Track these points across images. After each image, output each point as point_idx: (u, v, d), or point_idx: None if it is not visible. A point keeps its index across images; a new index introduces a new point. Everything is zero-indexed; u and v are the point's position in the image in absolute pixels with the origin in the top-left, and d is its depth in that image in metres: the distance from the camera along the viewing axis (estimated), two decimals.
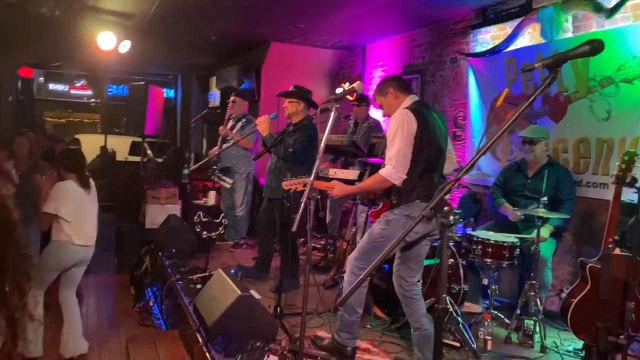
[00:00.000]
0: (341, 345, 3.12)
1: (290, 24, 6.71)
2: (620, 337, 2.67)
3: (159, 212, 6.46)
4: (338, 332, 3.16)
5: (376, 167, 4.64)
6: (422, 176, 2.94)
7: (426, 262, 3.28)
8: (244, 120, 6.05)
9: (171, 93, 14.21)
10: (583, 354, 3.36)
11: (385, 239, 2.93)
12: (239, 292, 3.18)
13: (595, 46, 1.53)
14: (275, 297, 4.18)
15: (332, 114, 2.45)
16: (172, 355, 3.80)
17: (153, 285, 5.19)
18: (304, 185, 3.02)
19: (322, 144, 2.43)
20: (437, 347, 1.75)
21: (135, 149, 11.21)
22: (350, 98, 7.80)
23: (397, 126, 2.90)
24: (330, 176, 5.48)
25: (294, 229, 2.33)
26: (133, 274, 5.44)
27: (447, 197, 1.60)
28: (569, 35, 4.62)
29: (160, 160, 9.29)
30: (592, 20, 4.44)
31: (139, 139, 9.34)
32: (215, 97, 10.83)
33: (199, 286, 4.28)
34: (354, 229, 4.47)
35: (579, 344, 3.50)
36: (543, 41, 4.79)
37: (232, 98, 6.11)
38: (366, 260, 2.97)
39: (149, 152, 10.58)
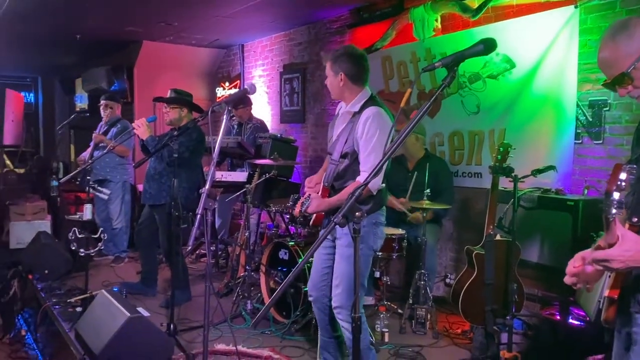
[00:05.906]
0: None
1: (163, 21, 6.36)
2: (507, 318, 2.87)
3: (26, 229, 5.89)
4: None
5: (265, 169, 4.56)
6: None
7: None
8: (118, 125, 5.66)
9: (31, 97, 12.86)
10: (472, 335, 3.59)
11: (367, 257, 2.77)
12: (128, 314, 2.92)
13: (488, 45, 1.59)
14: (166, 312, 3.95)
15: (225, 117, 2.32)
16: None
17: (24, 312, 4.67)
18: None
19: (217, 147, 2.29)
20: (355, 353, 1.72)
21: None
22: None
23: (377, 129, 2.61)
24: (217, 179, 5.31)
25: (190, 243, 2.15)
26: None
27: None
28: (439, 34, 4.89)
29: (21, 171, 8.43)
30: (459, 20, 4.74)
31: None
32: (83, 99, 9.99)
33: (79, 309, 3.94)
34: (247, 233, 4.34)
35: (466, 325, 3.74)
36: (416, 40, 5.02)
37: (103, 102, 5.70)
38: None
39: (8, 162, 9.51)
